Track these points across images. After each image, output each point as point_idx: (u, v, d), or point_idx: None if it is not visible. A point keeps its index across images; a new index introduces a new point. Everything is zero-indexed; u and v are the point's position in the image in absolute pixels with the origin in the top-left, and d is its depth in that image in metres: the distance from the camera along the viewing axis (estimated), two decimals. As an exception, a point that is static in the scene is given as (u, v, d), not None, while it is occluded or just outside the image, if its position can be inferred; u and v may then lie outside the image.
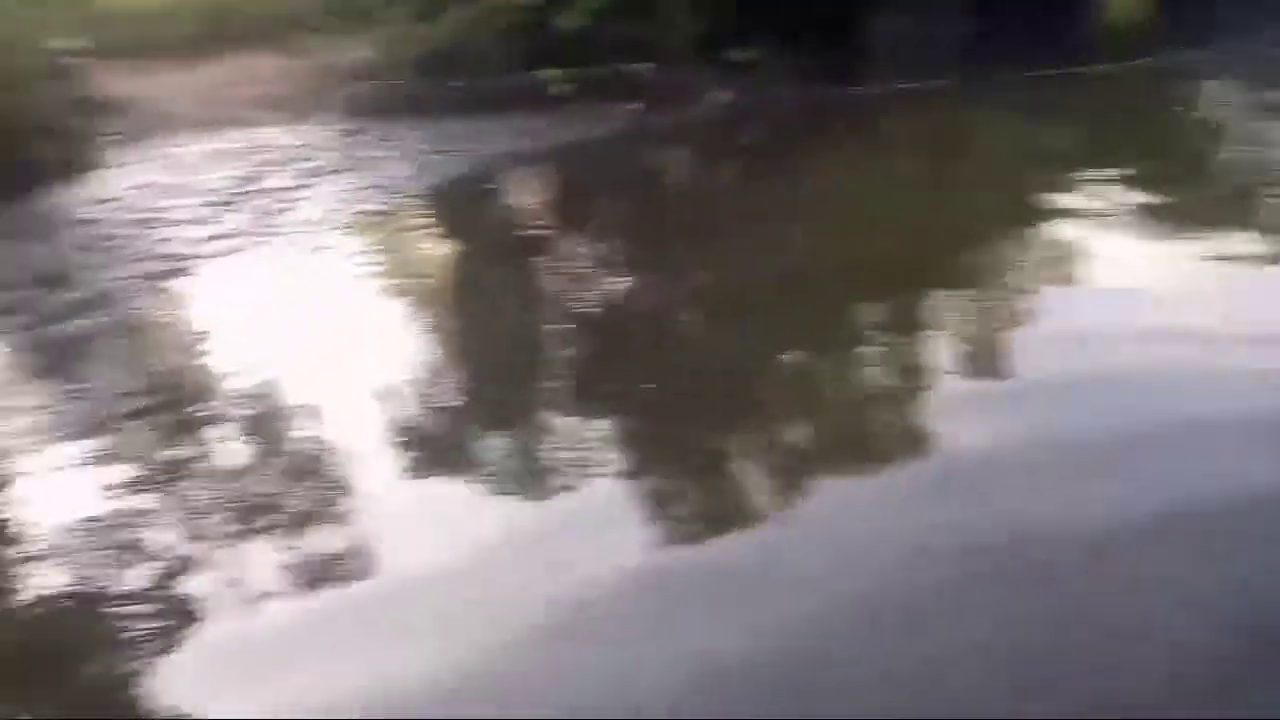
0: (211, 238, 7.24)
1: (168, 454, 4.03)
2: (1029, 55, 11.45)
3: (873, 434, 3.90)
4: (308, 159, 10.62)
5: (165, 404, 4.49)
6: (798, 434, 4.03)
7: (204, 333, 5.38)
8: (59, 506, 3.57)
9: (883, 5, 13.98)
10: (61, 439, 4.10)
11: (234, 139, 12.63)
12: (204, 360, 5.05)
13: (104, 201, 9.18)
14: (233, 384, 4.62)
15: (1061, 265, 5.64)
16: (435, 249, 7.47)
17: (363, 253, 7.13)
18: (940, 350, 4.56)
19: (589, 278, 6.27)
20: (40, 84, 12.83)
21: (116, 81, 15.90)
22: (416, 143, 11.07)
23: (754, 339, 4.71)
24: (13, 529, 3.52)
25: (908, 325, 4.88)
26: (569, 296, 5.90)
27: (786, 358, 4.59)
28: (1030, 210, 6.76)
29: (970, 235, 6.23)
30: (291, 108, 14.05)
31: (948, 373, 4.29)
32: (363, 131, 12.14)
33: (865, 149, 9.92)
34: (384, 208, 8.20)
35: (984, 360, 4.40)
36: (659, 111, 11.50)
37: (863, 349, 4.79)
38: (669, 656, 2.52)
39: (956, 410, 3.84)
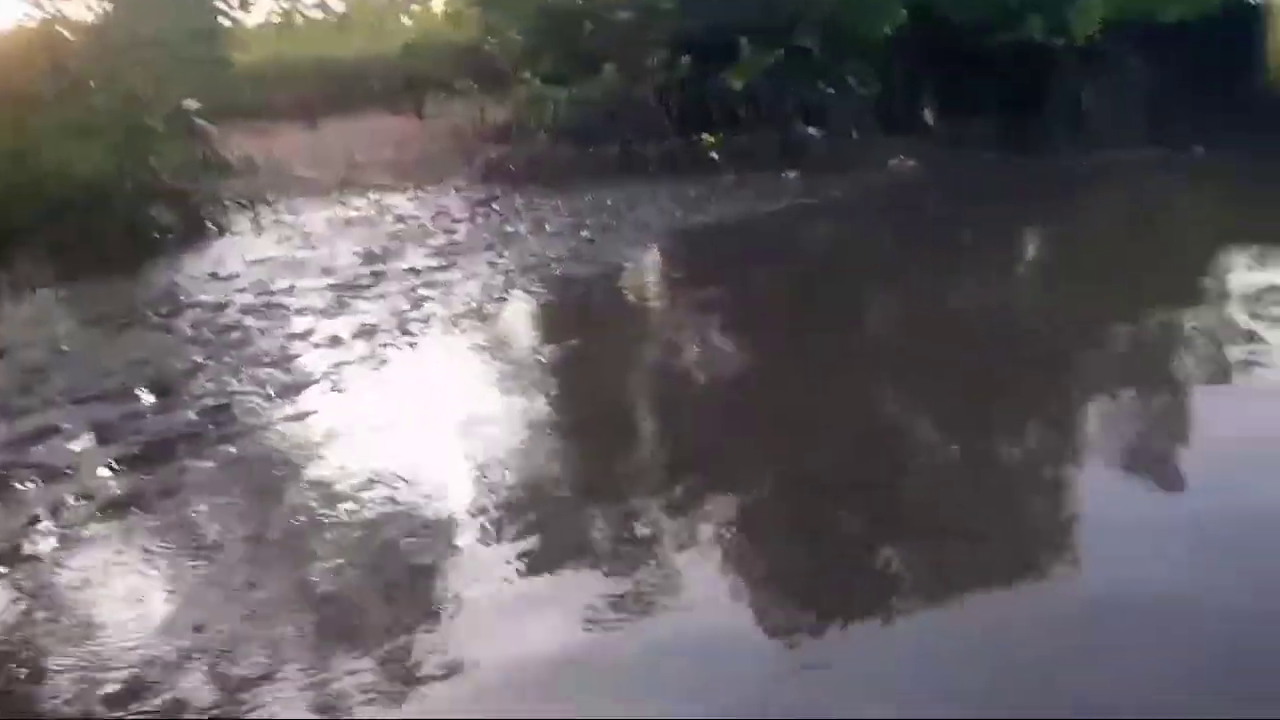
0: (343, 337, 6.02)
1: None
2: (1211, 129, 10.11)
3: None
4: (443, 231, 9.53)
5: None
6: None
7: (338, 480, 4.07)
8: None
9: (1070, 77, 12.83)
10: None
11: (361, 206, 11.71)
12: (335, 521, 3.71)
13: (223, 279, 8.17)
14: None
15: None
16: (592, 349, 6.08)
17: (508, 356, 5.76)
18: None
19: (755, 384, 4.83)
20: (166, 144, 12.19)
21: (240, 143, 15.37)
22: (561, 215, 9.88)
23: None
24: None
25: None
26: (724, 399, 4.50)
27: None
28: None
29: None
30: (421, 173, 13.15)
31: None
32: (500, 199, 11.06)
33: (1088, 225, 8.38)
34: (532, 296, 6.88)
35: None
36: (833, 179, 10.12)
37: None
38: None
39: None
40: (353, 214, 11.05)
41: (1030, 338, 5.45)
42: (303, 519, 3.73)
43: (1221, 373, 4.79)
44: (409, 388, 5.07)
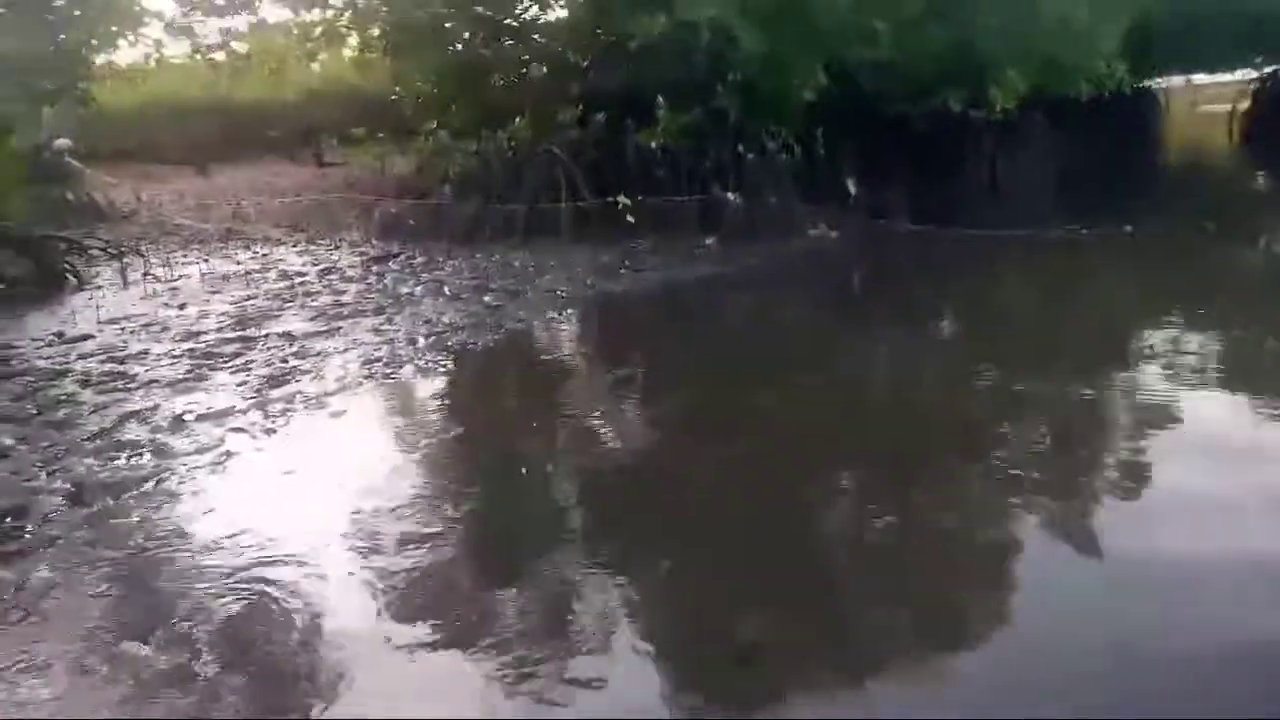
0: (188, 420, 5.13)
1: None
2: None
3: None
4: (331, 291, 8.68)
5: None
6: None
7: (135, 620, 3.22)
8: None
9: (987, 149, 12.85)
10: None
11: (244, 260, 10.78)
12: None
13: (69, 341, 7.18)
14: None
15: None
16: (481, 438, 5.32)
17: (381, 448, 4.85)
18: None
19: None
20: (28, 188, 11.09)
21: (121, 187, 14.28)
22: (462, 277, 9.13)
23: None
24: None
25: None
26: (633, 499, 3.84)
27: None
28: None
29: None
30: (315, 225, 12.26)
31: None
32: (397, 258, 10.27)
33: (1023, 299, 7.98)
34: (419, 371, 6.02)
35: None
36: (751, 247, 9.63)
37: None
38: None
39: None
40: (234, 268, 10.12)
41: (931, 425, 4.93)
42: (87, 666, 2.88)
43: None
44: (250, 494, 4.19)
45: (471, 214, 10.93)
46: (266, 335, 7.09)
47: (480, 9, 11.65)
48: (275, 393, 5.56)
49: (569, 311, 7.66)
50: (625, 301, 8.04)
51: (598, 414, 5.34)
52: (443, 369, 6.12)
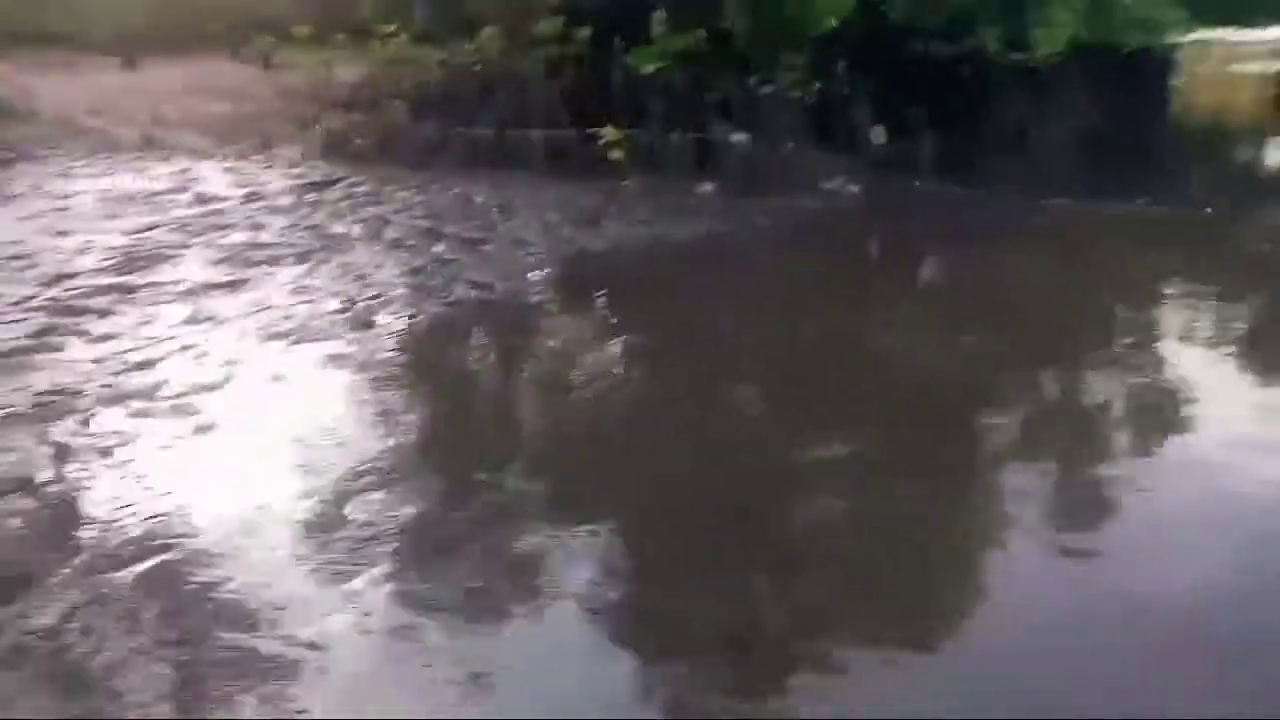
0: (10, 415, 3.71)
1: None
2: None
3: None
4: (250, 225, 7.14)
5: None
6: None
7: None
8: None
9: (1019, 102, 11.32)
10: None
11: (159, 175, 9.16)
12: None
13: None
14: None
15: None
16: (407, 479, 3.97)
17: (262, 490, 3.33)
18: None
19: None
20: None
21: (25, 78, 12.39)
22: (412, 214, 7.62)
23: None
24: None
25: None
26: None
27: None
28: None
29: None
30: (248, 138, 10.56)
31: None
32: (337, 184, 8.72)
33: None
34: (329, 360, 4.56)
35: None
36: (758, 200, 8.19)
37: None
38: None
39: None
40: (143, 185, 8.49)
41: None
42: None
43: None
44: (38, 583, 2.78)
45: (429, 136, 9.35)
46: (153, 284, 5.61)
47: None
48: (134, 381, 4.12)
49: (539, 274, 6.19)
50: (611, 266, 6.53)
51: (576, 445, 3.99)
52: (362, 356, 4.68)
